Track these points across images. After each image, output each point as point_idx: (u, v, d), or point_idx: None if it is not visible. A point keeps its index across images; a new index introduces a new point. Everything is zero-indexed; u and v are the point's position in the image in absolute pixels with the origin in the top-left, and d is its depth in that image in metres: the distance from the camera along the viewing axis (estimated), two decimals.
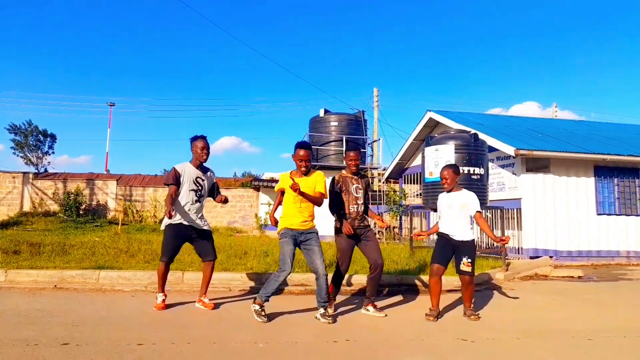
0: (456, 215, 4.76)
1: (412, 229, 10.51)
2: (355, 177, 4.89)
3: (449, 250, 4.76)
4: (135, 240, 9.78)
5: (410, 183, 15.37)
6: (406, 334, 4.10)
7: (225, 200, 4.88)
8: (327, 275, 4.40)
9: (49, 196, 20.11)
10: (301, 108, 73.91)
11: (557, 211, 10.53)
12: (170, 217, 4.58)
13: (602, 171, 11.03)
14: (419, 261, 7.60)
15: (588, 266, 9.88)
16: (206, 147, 4.88)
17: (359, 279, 6.09)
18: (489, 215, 10.88)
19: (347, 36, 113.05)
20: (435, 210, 5.20)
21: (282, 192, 4.62)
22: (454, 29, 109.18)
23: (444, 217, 4.85)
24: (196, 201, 4.82)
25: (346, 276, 5.42)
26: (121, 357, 3.24)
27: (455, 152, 8.29)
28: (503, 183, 11.10)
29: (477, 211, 4.75)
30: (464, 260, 4.64)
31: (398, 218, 15.35)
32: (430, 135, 10.59)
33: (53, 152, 35.09)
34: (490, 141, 10.16)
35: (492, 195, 10.35)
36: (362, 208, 4.85)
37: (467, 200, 4.77)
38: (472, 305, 4.79)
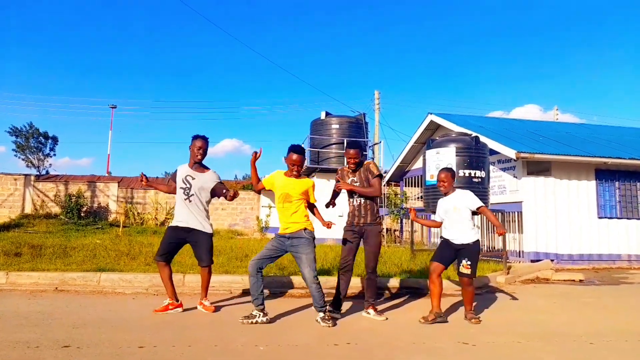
0: (453, 218, 4.78)
1: (412, 232, 10.50)
2: (353, 172, 4.89)
3: (450, 251, 4.78)
4: (136, 243, 9.79)
5: (411, 186, 15.38)
6: (407, 337, 4.09)
7: (235, 195, 4.67)
8: (316, 283, 4.34)
9: (50, 198, 20.14)
10: (302, 111, 74.02)
11: (558, 214, 10.52)
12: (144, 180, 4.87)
13: (604, 174, 11.02)
14: (420, 264, 7.60)
15: (589, 270, 9.86)
16: (203, 147, 4.87)
17: (358, 282, 6.08)
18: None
19: (348, 38, 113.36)
20: (434, 213, 5.21)
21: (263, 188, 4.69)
22: (455, 32, 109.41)
23: (445, 222, 4.89)
24: (185, 199, 4.82)
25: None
26: (122, 359, 3.24)
27: (456, 155, 8.29)
28: (504, 186, 11.09)
29: (480, 206, 4.78)
30: (464, 262, 4.67)
31: (399, 221, 15.34)
32: (432, 138, 10.62)
33: (54, 154, 35.28)
34: (492, 144, 10.16)
35: (493, 199, 10.35)
36: (362, 202, 4.77)
37: (461, 201, 4.78)
38: (472, 309, 4.78)
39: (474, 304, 4.86)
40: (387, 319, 4.68)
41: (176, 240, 4.85)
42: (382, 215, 15.47)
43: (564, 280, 8.05)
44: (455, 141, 8.50)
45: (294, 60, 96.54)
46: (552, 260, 9.94)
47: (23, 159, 33.98)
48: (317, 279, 4.39)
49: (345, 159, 5.07)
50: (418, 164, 14.01)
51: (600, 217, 10.84)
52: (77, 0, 78.31)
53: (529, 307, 5.71)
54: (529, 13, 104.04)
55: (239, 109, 74.30)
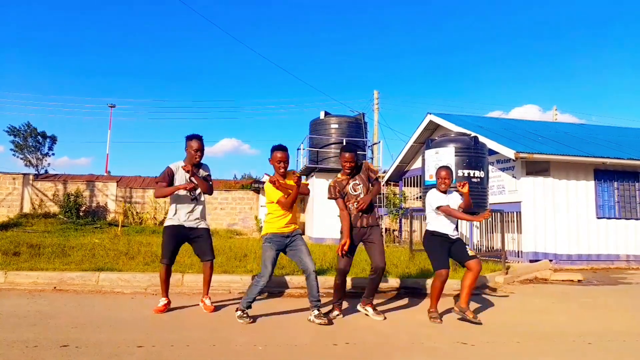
0: (450, 216, 4.89)
1: (412, 232, 10.50)
2: (349, 177, 4.78)
3: (447, 249, 4.81)
4: (135, 242, 9.79)
5: (410, 186, 15.38)
6: (406, 337, 4.09)
7: (192, 174, 4.66)
8: (316, 273, 4.51)
9: (49, 198, 20.13)
10: (301, 110, 73.99)
11: (557, 214, 10.53)
12: (189, 188, 4.63)
13: (602, 175, 11.03)
14: (419, 264, 7.60)
15: (588, 270, 9.88)
16: (200, 149, 4.76)
17: (358, 282, 6.08)
18: (489, 219, 10.88)
19: (348, 38, 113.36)
20: None
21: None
22: (454, 32, 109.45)
23: (442, 218, 4.85)
24: (192, 199, 4.82)
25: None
26: (121, 359, 3.24)
27: (455, 155, 8.29)
28: (503, 186, 11.10)
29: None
30: (468, 248, 4.79)
31: (398, 221, 15.35)
32: (431, 138, 10.61)
33: (53, 154, 35.07)
34: (490, 144, 10.17)
35: (492, 199, 10.34)
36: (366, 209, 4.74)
37: (457, 200, 4.95)
38: (469, 301, 4.73)
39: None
40: (385, 318, 4.68)
41: (180, 239, 4.85)
42: (382, 215, 15.50)
43: (563, 281, 8.05)
44: (454, 141, 8.50)
45: (293, 60, 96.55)
46: (550, 261, 9.95)
47: (22, 158, 33.88)
48: (316, 268, 4.57)
49: (340, 158, 4.90)
50: (417, 163, 14.02)
51: (598, 218, 10.85)
52: (76, 0, 78.23)
53: (527, 307, 5.71)
54: (528, 14, 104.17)
55: (238, 108, 74.27)
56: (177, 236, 4.80)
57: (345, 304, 4.99)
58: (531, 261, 9.97)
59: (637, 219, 11.06)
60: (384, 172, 16.66)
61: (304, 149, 17.09)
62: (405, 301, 5.73)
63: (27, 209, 19.88)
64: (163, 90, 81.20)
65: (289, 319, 4.61)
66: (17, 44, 69.93)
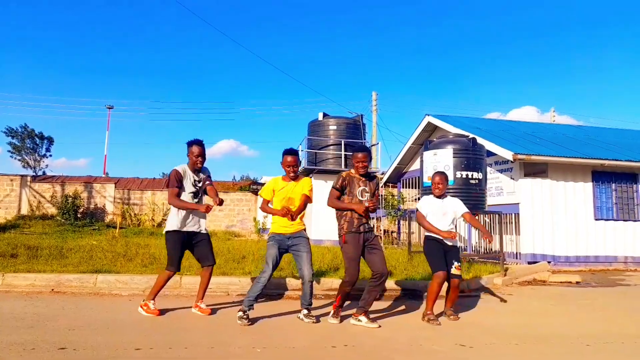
0: (450, 222, 4.94)
1: (410, 233, 10.51)
2: (364, 179, 4.61)
3: (443, 253, 4.84)
4: (133, 244, 9.77)
5: (409, 187, 15.38)
6: (404, 339, 4.09)
7: (221, 202, 4.61)
8: (312, 282, 4.55)
9: (46, 199, 20.07)
10: (300, 112, 74.06)
11: (555, 216, 10.54)
12: (208, 209, 4.56)
13: (600, 176, 11.05)
14: (417, 266, 7.59)
15: (586, 272, 9.88)
16: (202, 155, 4.76)
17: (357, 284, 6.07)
18: (487, 220, 10.89)
19: (346, 40, 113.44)
20: None
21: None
22: (453, 33, 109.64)
23: (438, 223, 4.90)
24: (197, 203, 4.81)
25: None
26: None
27: (453, 157, 8.30)
28: (501, 188, 11.11)
29: (466, 212, 5.00)
30: (455, 264, 4.81)
31: (396, 222, 15.35)
32: (429, 139, 10.61)
33: (50, 155, 35.01)
34: (489, 146, 10.18)
35: (490, 200, 10.36)
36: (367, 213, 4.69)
37: (458, 206, 5.02)
38: (452, 306, 4.95)
39: (456, 302, 5.01)
40: (379, 326, 4.41)
41: (185, 245, 4.79)
42: (380, 217, 15.50)
43: (561, 282, 8.06)
44: (453, 142, 8.52)
45: (291, 61, 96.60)
46: (549, 262, 9.96)
47: (19, 160, 33.81)
48: (313, 277, 4.59)
49: (352, 159, 4.73)
50: (415, 165, 14.04)
51: (596, 219, 10.87)
52: (74, 0, 78.17)
53: (526, 309, 5.71)
54: (527, 15, 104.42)
55: (236, 110, 74.24)
56: (182, 243, 4.74)
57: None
58: (529, 263, 9.98)
59: (635, 221, 11.08)
60: (382, 173, 16.66)
61: (302, 150, 17.09)
62: (403, 303, 5.72)
63: (24, 210, 19.83)
64: (161, 92, 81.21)
65: (287, 322, 4.60)
66: (14, 44, 69.86)
